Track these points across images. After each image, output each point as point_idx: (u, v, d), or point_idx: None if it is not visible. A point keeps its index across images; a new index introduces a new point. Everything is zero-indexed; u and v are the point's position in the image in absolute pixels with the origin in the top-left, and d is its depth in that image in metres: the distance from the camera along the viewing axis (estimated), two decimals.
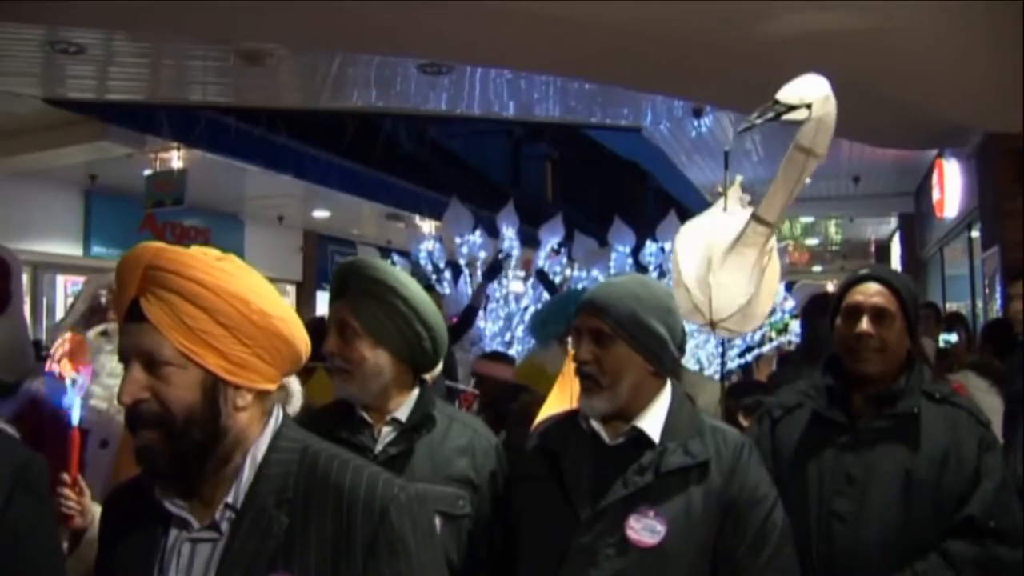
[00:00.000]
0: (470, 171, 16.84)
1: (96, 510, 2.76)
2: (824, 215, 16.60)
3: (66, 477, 2.74)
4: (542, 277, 9.65)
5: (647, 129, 10.76)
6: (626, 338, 2.45)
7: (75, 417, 2.80)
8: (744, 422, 4.41)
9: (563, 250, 11.34)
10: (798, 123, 3.22)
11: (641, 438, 2.46)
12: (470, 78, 8.82)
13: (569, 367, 3.99)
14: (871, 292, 2.79)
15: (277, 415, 1.76)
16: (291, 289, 17.87)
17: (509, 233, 11.08)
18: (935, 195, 11.16)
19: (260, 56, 7.55)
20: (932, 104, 7.41)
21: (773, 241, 3.44)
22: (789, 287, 11.75)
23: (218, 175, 11.70)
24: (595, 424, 2.50)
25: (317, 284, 17.98)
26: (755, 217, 3.34)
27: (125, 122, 9.67)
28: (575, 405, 2.97)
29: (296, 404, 1.87)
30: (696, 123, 10.14)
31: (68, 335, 3.59)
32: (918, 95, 7.15)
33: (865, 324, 2.77)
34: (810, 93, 3.20)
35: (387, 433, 2.56)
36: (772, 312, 10.79)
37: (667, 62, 6.91)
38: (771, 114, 3.21)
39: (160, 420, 1.63)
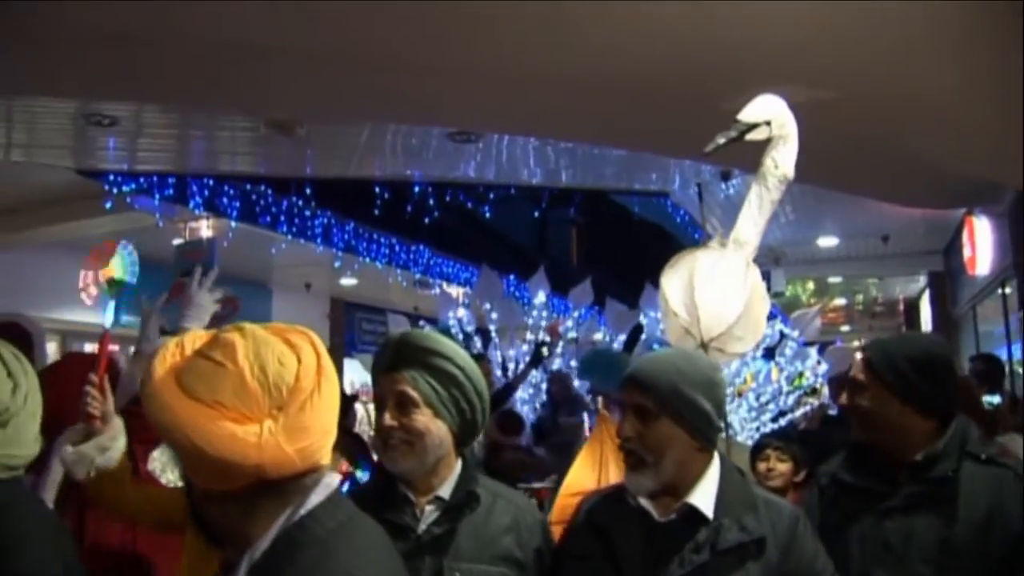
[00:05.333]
0: (496, 236, 16.86)
1: (117, 423, 2.96)
2: (854, 275, 16.50)
3: (93, 377, 2.90)
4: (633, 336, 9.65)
5: (675, 193, 10.74)
6: (670, 414, 2.41)
7: (107, 321, 3.07)
8: (774, 465, 4.33)
9: (592, 315, 11.32)
10: (761, 142, 3.38)
11: (693, 514, 2.40)
12: (497, 145, 8.84)
13: (599, 431, 3.93)
14: (856, 365, 2.88)
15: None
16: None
17: (540, 299, 11.08)
18: (966, 252, 11.07)
19: (290, 126, 7.59)
20: (963, 163, 7.34)
21: (754, 267, 3.49)
22: (822, 350, 11.63)
23: (246, 244, 11.71)
24: (643, 501, 2.45)
25: (345, 352, 17.95)
26: (733, 239, 3.45)
27: (155, 192, 9.71)
28: (611, 477, 2.92)
29: None
30: (724, 186, 10.11)
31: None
32: (948, 155, 7.09)
33: (844, 397, 2.89)
34: (768, 111, 3.34)
35: (430, 512, 2.48)
36: (801, 375, 10.75)
37: (694, 128, 6.88)
38: (734, 133, 3.35)
39: None
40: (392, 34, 5.31)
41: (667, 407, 2.41)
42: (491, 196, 11.29)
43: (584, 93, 6.14)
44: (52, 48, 5.46)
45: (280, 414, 1.63)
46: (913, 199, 9.60)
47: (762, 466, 4.40)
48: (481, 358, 8.98)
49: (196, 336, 1.72)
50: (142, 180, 9.47)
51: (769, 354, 10.30)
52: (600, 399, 4.51)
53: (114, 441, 2.95)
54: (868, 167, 7.43)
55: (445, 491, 2.49)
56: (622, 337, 10.37)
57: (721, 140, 3.36)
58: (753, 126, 3.37)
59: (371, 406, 16.72)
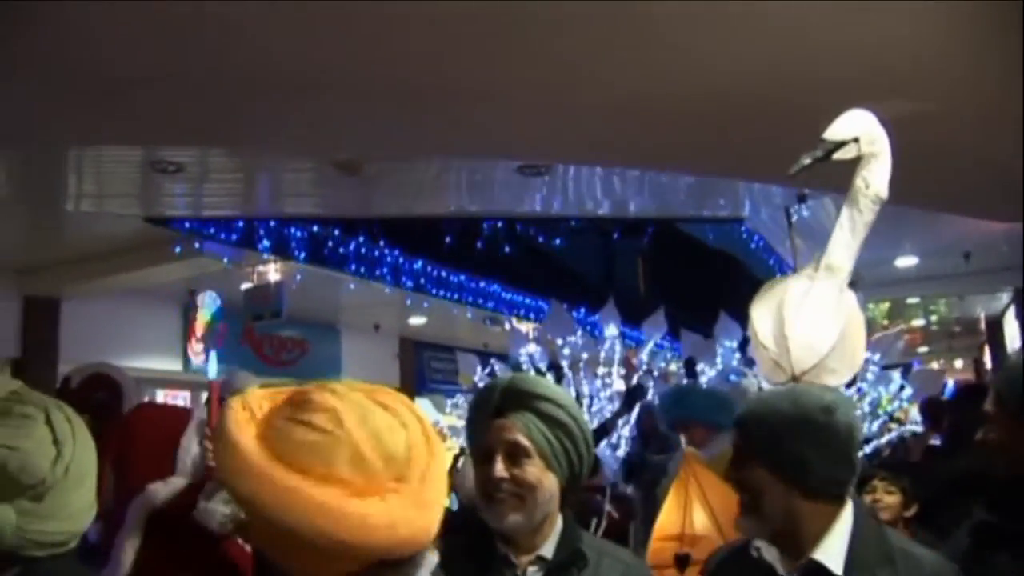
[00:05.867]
0: (563, 270, 16.75)
1: None
2: (934, 294, 16.05)
3: (208, 431, 2.98)
4: (689, 365, 9.47)
5: (750, 219, 10.53)
6: (760, 459, 2.26)
7: (211, 371, 3.20)
8: (881, 497, 4.06)
9: (666, 344, 11.13)
10: (851, 161, 3.17)
11: (820, 571, 2.20)
12: (563, 177, 8.71)
13: (685, 471, 3.76)
14: (989, 397, 2.62)
15: None
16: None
17: (611, 331, 10.93)
18: None
19: (355, 166, 7.51)
20: None
21: (850, 294, 3.26)
22: (905, 373, 11.30)
23: (314, 286, 11.70)
24: (767, 555, 2.27)
25: (415, 391, 17.89)
26: (825, 265, 3.21)
27: (221, 237, 9.71)
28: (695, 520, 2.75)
29: None
30: (798, 207, 9.88)
31: None
32: None
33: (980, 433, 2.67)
34: (856, 127, 3.14)
35: (533, 573, 2.29)
36: (884, 400, 10.45)
37: (767, 149, 6.67)
38: (820, 153, 3.15)
39: None
40: (458, 65, 5.21)
41: (754, 449, 2.27)
42: (559, 229, 11.16)
43: (661, 117, 5.99)
44: (116, 95, 5.42)
45: (402, 486, 1.43)
46: (1005, 213, 9.25)
47: (868, 498, 4.07)
48: None
49: (265, 396, 1.51)
50: (210, 225, 9.47)
51: (850, 380, 9.99)
52: (683, 437, 4.34)
53: None
54: (956, 181, 7.16)
55: (547, 550, 2.30)
56: (701, 366, 10.20)
57: (807, 160, 3.16)
58: (840, 144, 3.16)
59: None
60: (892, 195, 3.15)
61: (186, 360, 13.02)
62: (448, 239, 10.38)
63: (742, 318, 10.55)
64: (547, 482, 2.24)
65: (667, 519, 3.51)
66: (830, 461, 2.22)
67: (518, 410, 2.26)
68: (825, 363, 3.20)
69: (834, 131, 3.18)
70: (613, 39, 4.89)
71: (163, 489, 3.24)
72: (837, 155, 3.16)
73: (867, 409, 10.21)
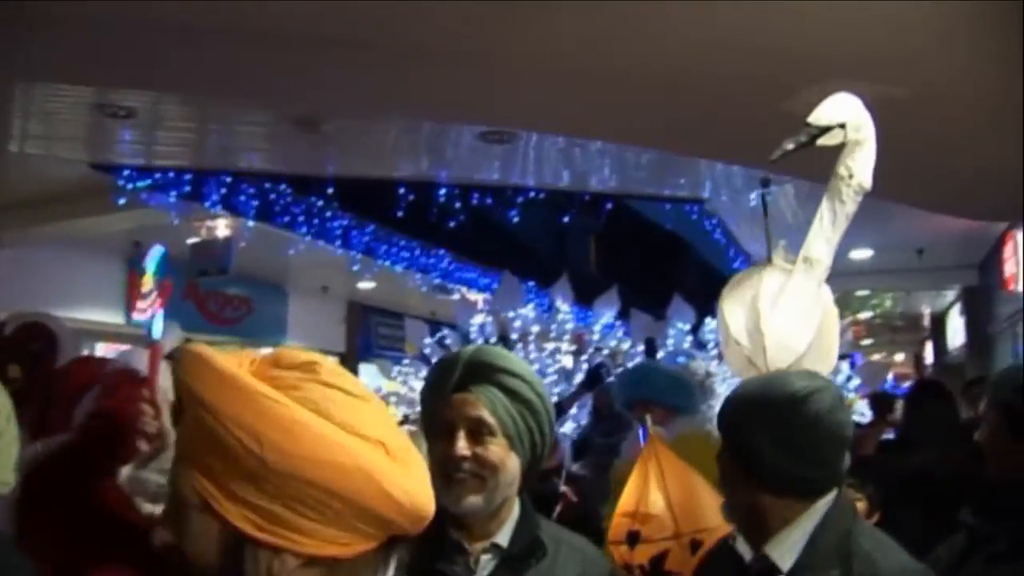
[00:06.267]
0: (515, 243, 16.66)
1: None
2: (884, 288, 16.15)
3: (146, 392, 2.69)
4: (650, 345, 9.37)
5: (710, 201, 10.44)
6: (727, 445, 2.21)
7: (156, 331, 2.81)
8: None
9: (615, 324, 11.04)
10: (835, 147, 3.01)
11: (773, 566, 2.11)
12: (524, 147, 8.55)
13: (648, 449, 3.66)
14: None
15: None
16: (334, 360, 17.46)
17: (564, 307, 10.81)
18: (1007, 269, 10.78)
19: (314, 122, 7.28)
20: None
21: (826, 288, 3.11)
22: (851, 365, 11.34)
23: (263, 244, 11.44)
24: (739, 545, 2.19)
25: (360, 355, 17.73)
26: (803, 258, 3.03)
27: (170, 189, 9.42)
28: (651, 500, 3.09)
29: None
30: (759, 192, 9.79)
31: None
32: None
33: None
34: (842, 113, 2.97)
35: (487, 562, 2.13)
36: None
37: (735, 128, 6.55)
38: (804, 138, 2.98)
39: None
40: (427, 24, 5.01)
41: (725, 437, 2.22)
42: (512, 201, 11.01)
43: (633, 90, 5.83)
44: (70, 35, 5.17)
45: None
46: (972, 210, 9.24)
47: None
48: None
49: (239, 355, 1.33)
50: (157, 176, 9.18)
51: None
52: (648, 416, 4.23)
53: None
54: (926, 174, 7.09)
55: (503, 538, 2.15)
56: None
57: (790, 146, 2.98)
58: (826, 129, 2.99)
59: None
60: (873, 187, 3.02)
61: (128, 313, 12.71)
62: (402, 205, 10.16)
63: (696, 301, 10.54)
64: (510, 463, 2.09)
65: (627, 495, 3.48)
66: (788, 455, 2.10)
67: (481, 384, 2.10)
68: (802, 362, 3.07)
69: (819, 115, 3.01)
70: (585, 8, 4.72)
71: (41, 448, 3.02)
72: (821, 141, 2.99)
73: None
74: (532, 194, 10.76)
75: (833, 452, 2.14)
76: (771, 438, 2.08)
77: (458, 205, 10.34)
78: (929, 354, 20.72)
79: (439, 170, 9.32)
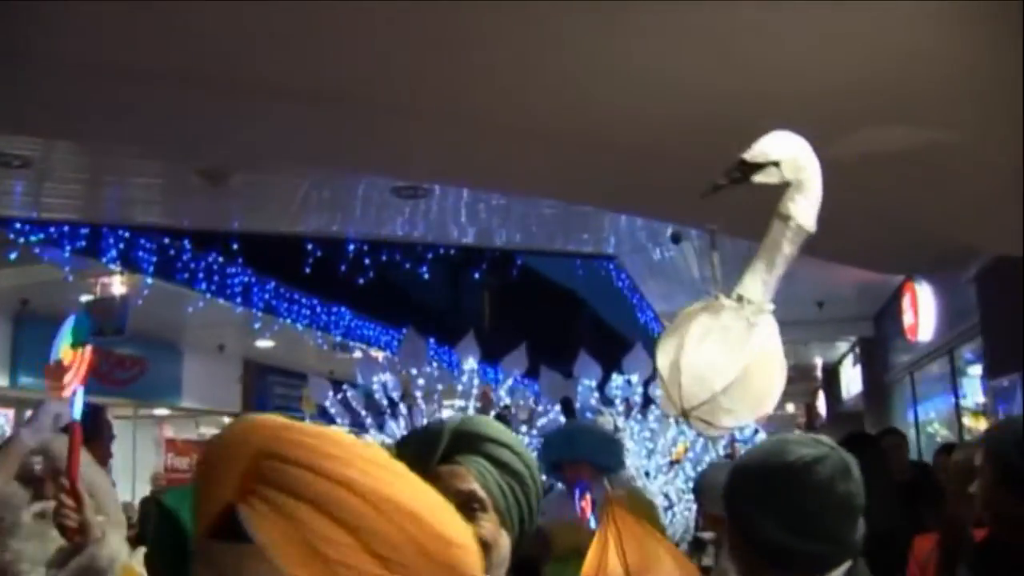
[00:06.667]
0: (417, 300, 16.54)
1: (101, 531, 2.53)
2: (788, 342, 16.49)
3: (65, 482, 2.50)
4: (567, 405, 9.18)
5: (620, 258, 10.49)
6: (730, 521, 2.14)
7: (76, 411, 2.60)
8: None
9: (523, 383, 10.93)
10: (773, 186, 2.90)
11: None
12: (430, 203, 8.50)
13: (606, 515, 3.58)
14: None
15: None
16: (229, 421, 17.01)
17: (469, 364, 10.67)
18: (907, 319, 11.02)
19: (222, 175, 7.05)
20: (949, 227, 7.07)
21: (770, 333, 3.00)
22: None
23: (160, 302, 11.08)
24: None
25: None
26: (736, 296, 2.94)
27: (64, 243, 9.06)
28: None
29: None
30: (667, 249, 9.88)
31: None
32: (936, 218, 6.83)
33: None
34: (777, 150, 2.86)
35: None
36: (735, 443, 10.50)
37: (656, 181, 6.55)
38: (736, 174, 2.89)
39: None
40: (340, 71, 4.89)
41: (727, 510, 2.16)
42: (417, 257, 10.91)
43: (542, 144, 5.78)
44: None
45: None
46: (879, 263, 9.43)
47: None
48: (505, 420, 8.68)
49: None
50: (51, 229, 8.82)
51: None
52: (606, 480, 4.14)
53: (100, 552, 2.48)
54: (835, 230, 7.18)
55: None
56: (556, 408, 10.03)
57: (721, 181, 2.91)
58: (759, 166, 2.89)
59: None
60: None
61: (13, 375, 12.16)
62: (308, 260, 9.97)
63: (601, 357, 10.49)
64: (502, 541, 1.90)
65: (588, 563, 3.42)
66: (791, 530, 1.96)
67: (469, 454, 1.92)
68: (718, 400, 2.99)
69: (754, 152, 2.91)
70: (500, 60, 4.69)
71: None
72: (757, 179, 2.89)
73: (722, 452, 10.23)
74: (435, 251, 10.68)
75: (841, 524, 1.99)
76: (772, 512, 1.96)
77: (366, 261, 10.20)
78: (821, 404, 21.11)
79: (347, 226, 9.17)
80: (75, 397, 2.62)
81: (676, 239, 9.17)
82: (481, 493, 1.87)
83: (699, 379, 2.94)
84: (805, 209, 2.88)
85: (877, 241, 7.78)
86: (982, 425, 10.10)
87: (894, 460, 6.61)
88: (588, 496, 4.09)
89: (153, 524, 2.50)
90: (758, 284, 2.95)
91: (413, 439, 2.03)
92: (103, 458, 4.79)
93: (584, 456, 4.79)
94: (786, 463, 1.98)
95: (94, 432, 4.29)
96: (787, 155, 2.88)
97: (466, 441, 1.93)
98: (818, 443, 2.07)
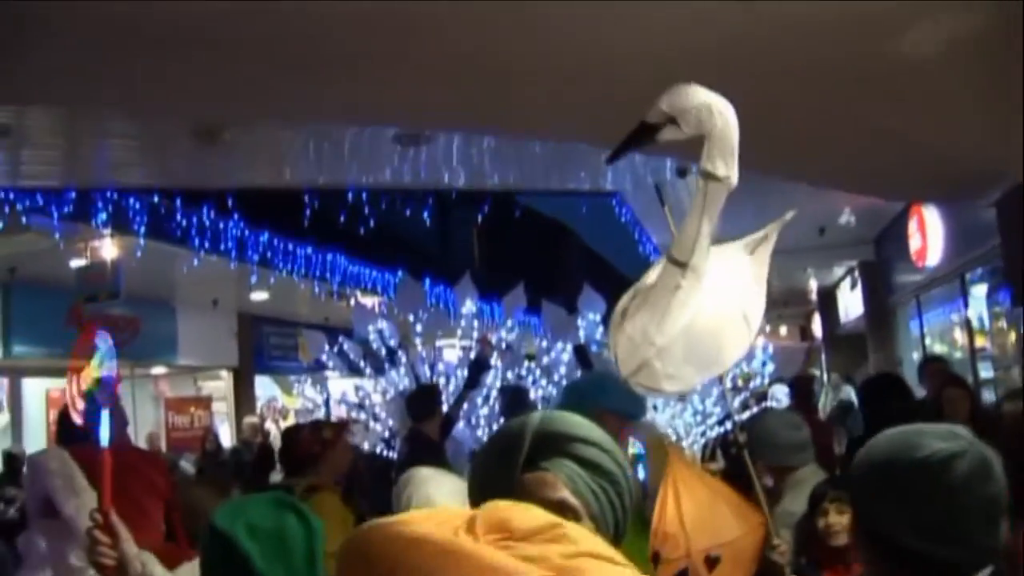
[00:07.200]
0: (406, 243, 16.41)
1: (141, 564, 2.33)
2: (790, 267, 16.38)
3: (97, 516, 2.25)
4: (581, 353, 9.01)
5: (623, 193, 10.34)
6: (857, 519, 2.00)
7: (104, 437, 2.30)
8: (834, 520, 3.74)
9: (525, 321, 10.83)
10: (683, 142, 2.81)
11: None
12: (427, 147, 8.31)
13: (668, 468, 3.54)
14: None
15: None
16: (228, 375, 17.09)
17: (468, 306, 10.53)
18: (914, 243, 10.97)
19: (215, 132, 6.83)
20: (953, 149, 6.92)
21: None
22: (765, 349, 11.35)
23: (153, 262, 10.87)
24: None
25: (255, 368, 17.24)
26: (669, 257, 2.86)
27: (52, 209, 8.84)
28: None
29: None
30: (672, 185, 9.70)
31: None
32: (939, 140, 6.68)
33: None
34: (675, 105, 2.74)
35: None
36: (748, 376, 10.43)
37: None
38: (640, 136, 2.82)
39: None
40: (332, 23, 4.69)
41: (854, 507, 2.03)
42: (416, 202, 10.76)
43: (535, 83, 5.61)
44: None
45: None
46: (901, 191, 9.28)
47: (821, 523, 3.66)
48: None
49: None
50: (39, 196, 8.59)
51: None
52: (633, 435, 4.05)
53: None
54: (848, 154, 7.03)
55: None
56: (559, 345, 9.92)
57: (624, 146, 2.85)
58: (659, 127, 2.78)
59: (282, 423, 16.17)
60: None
61: (6, 344, 11.95)
62: (305, 211, 9.80)
63: (569, 288, 10.38)
64: None
65: (654, 513, 3.52)
66: (925, 535, 1.77)
67: (554, 458, 1.76)
68: (653, 366, 2.87)
69: (652, 111, 2.79)
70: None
71: None
72: (663, 137, 2.79)
73: (729, 385, 10.17)
74: (433, 195, 10.53)
75: (980, 527, 1.79)
76: (902, 514, 1.78)
77: (364, 209, 10.03)
78: (817, 326, 21.13)
79: (342, 174, 8.99)
80: (101, 426, 2.33)
81: (682, 173, 9.01)
82: (573, 501, 1.70)
83: (633, 345, 2.87)
84: (719, 161, 2.73)
85: (893, 169, 7.62)
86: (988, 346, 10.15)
87: (950, 416, 5.82)
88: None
89: (204, 545, 2.35)
90: (688, 245, 2.83)
91: (493, 445, 1.87)
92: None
93: (607, 406, 4.66)
94: (919, 459, 1.78)
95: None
96: (687, 108, 2.74)
97: (550, 443, 1.76)
98: (955, 436, 1.84)
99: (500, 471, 1.76)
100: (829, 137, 6.56)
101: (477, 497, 1.79)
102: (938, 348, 11.86)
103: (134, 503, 2.83)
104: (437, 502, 3.27)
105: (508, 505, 1.15)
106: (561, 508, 1.65)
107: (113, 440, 2.34)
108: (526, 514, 1.10)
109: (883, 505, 1.80)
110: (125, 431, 5.04)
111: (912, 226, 10.96)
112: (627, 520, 1.79)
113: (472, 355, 9.69)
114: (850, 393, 11.84)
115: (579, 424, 1.80)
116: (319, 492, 4.85)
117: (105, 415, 2.31)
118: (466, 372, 9.22)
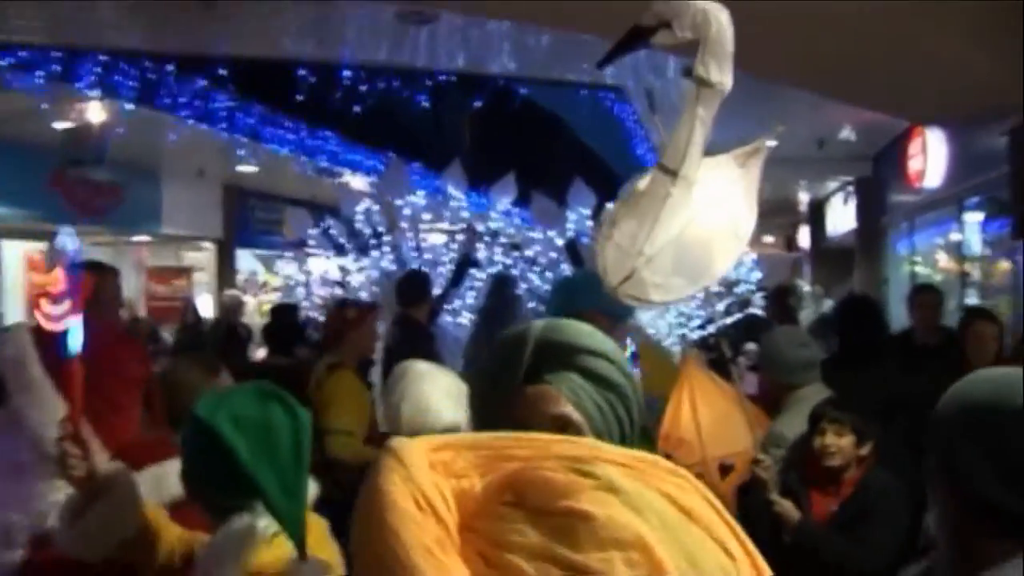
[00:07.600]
0: (397, 126, 16.24)
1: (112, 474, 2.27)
2: (784, 177, 16.28)
3: (67, 425, 2.21)
4: (572, 250, 8.92)
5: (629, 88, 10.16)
6: (935, 462, 1.81)
7: (72, 344, 2.19)
8: (831, 441, 3.71)
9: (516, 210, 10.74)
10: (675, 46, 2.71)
11: None
12: (425, 30, 8.11)
13: (683, 374, 3.52)
14: None
15: None
16: (211, 247, 16.98)
17: (458, 194, 10.42)
18: (914, 164, 10.82)
19: None
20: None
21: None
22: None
23: (140, 128, 10.64)
24: None
25: (238, 241, 17.15)
26: (659, 165, 2.76)
27: (37, 68, 8.59)
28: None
29: None
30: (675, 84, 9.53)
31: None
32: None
33: None
34: (671, 7, 2.65)
35: None
36: (736, 282, 10.42)
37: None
38: (633, 39, 2.72)
39: None
40: None
41: (931, 448, 1.84)
42: (416, 84, 10.55)
43: None
44: None
45: None
46: (913, 110, 9.16)
47: (817, 442, 3.67)
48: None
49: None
50: (23, 54, 8.34)
51: None
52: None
53: (115, 499, 2.25)
54: (862, 67, 6.90)
55: None
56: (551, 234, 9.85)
57: (610, 50, 2.77)
58: (650, 29, 2.68)
59: (263, 296, 16.15)
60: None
61: None
62: (298, 86, 9.60)
63: (560, 179, 10.30)
64: None
65: (666, 417, 3.62)
66: (1013, 490, 1.62)
67: (557, 371, 1.66)
68: (641, 275, 2.79)
69: (646, 14, 2.70)
70: None
71: None
72: (658, 40, 2.70)
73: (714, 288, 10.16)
74: (430, 78, 10.34)
75: None
76: (991, 465, 1.63)
77: (359, 88, 9.83)
78: (804, 237, 21.09)
79: (339, 51, 8.79)
80: (69, 334, 2.20)
81: (688, 72, 8.82)
82: (575, 416, 1.62)
83: (621, 254, 2.78)
84: (712, 67, 2.65)
85: (908, 85, 7.50)
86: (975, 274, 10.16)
87: (921, 320, 6.33)
88: None
89: (186, 437, 2.27)
90: (678, 152, 2.73)
91: (493, 355, 1.77)
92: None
93: (596, 305, 4.61)
94: (1019, 406, 1.63)
95: None
96: (679, 13, 2.64)
97: (554, 353, 1.66)
98: None
99: (500, 382, 1.68)
100: (843, 48, 6.44)
101: (479, 410, 1.75)
102: (925, 271, 11.87)
103: (108, 402, 2.77)
104: (432, 400, 3.25)
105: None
106: (563, 423, 1.60)
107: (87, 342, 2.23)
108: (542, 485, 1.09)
109: (968, 451, 1.67)
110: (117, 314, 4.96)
111: (914, 147, 10.81)
112: (635, 432, 1.70)
113: (458, 242, 9.67)
114: (832, 306, 11.89)
115: (584, 333, 1.70)
116: (339, 370, 4.94)
117: (76, 324, 2.18)
118: (453, 258, 9.21)
